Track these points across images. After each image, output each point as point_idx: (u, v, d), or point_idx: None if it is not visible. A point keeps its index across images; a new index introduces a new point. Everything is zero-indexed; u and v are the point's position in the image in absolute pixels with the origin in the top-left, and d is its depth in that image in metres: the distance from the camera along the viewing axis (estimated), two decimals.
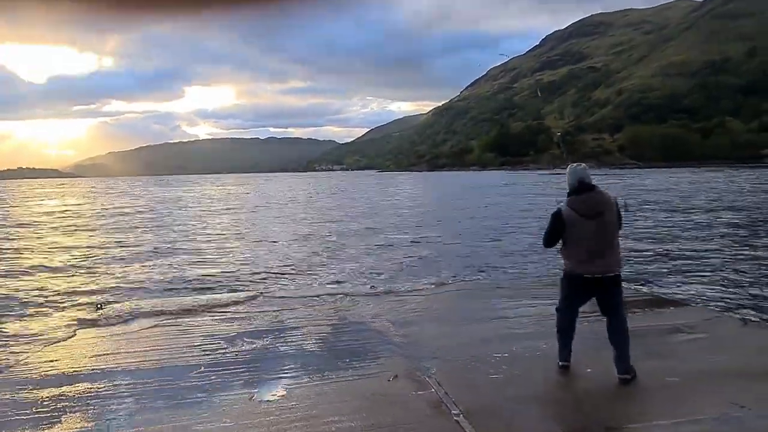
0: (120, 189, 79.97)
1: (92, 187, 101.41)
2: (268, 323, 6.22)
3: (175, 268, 11.63)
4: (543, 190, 42.79)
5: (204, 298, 8.13)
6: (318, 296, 7.84)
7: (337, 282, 9.67)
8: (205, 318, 6.62)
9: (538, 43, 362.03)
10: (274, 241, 15.86)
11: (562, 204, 4.38)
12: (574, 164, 4.48)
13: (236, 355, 5.09)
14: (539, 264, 11.03)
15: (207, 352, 5.16)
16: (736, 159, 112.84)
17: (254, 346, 5.34)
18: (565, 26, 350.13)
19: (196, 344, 5.44)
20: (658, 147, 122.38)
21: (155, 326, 6.20)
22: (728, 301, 7.69)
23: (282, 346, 5.35)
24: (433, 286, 8.68)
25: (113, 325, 6.47)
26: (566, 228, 4.26)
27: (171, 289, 9.44)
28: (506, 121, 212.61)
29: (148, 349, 5.32)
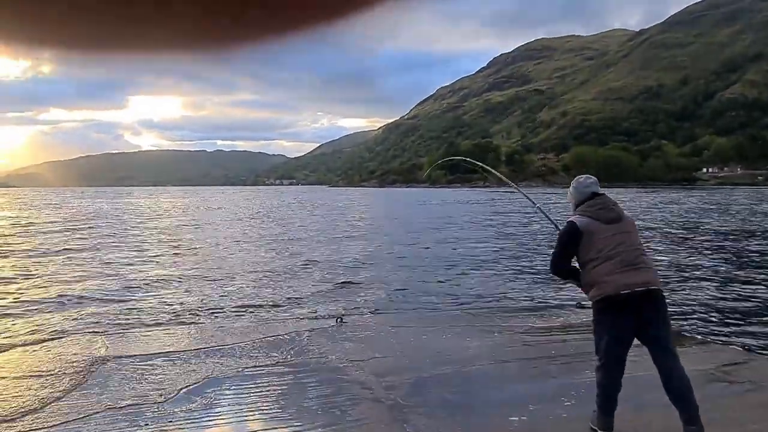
0: (46, 200, 74.83)
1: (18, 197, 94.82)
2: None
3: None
4: (510, 207, 42.64)
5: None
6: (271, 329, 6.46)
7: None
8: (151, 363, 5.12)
9: (485, 65, 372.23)
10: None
11: (573, 216, 3.43)
12: (582, 176, 3.60)
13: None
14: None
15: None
16: (671, 181, 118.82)
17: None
18: (512, 49, 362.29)
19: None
20: (601, 168, 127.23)
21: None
22: (723, 332, 6.82)
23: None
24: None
25: None
26: (583, 241, 3.29)
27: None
28: (455, 140, 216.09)
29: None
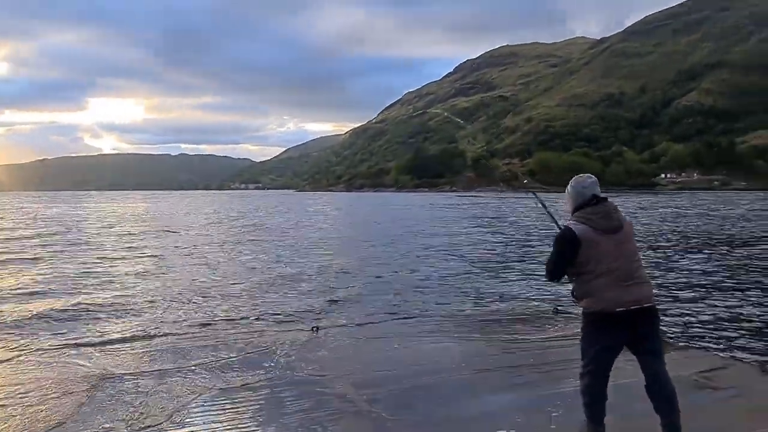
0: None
1: None
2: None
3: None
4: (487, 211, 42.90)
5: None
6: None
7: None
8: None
9: (452, 70, 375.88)
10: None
11: (570, 221, 3.27)
12: (581, 176, 3.41)
13: None
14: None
15: None
16: (631, 186, 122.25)
17: None
18: (477, 56, 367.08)
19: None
20: (565, 172, 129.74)
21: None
22: (700, 338, 6.89)
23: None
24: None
25: None
26: (581, 250, 3.14)
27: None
28: (422, 144, 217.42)
29: None
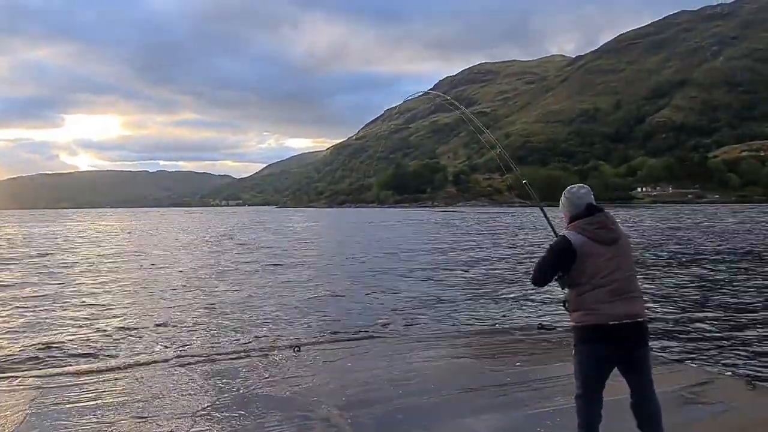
0: None
1: None
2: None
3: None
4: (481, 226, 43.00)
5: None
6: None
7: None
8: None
9: (431, 87, 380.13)
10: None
11: (567, 231, 3.21)
12: (574, 186, 3.36)
13: None
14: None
15: None
16: (608, 200, 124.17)
17: None
18: (456, 72, 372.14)
19: None
20: (544, 186, 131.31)
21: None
22: (681, 352, 6.90)
23: None
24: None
25: None
26: (576, 261, 3.08)
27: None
28: (402, 160, 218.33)
29: None
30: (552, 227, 3.89)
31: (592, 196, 3.29)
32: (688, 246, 22.42)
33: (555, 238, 3.31)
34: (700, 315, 8.85)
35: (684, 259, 17.63)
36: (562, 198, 3.34)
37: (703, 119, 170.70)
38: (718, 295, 10.73)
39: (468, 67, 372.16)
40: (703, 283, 12.48)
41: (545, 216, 4.07)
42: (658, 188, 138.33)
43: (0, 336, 8.15)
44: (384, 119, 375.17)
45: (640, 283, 3.30)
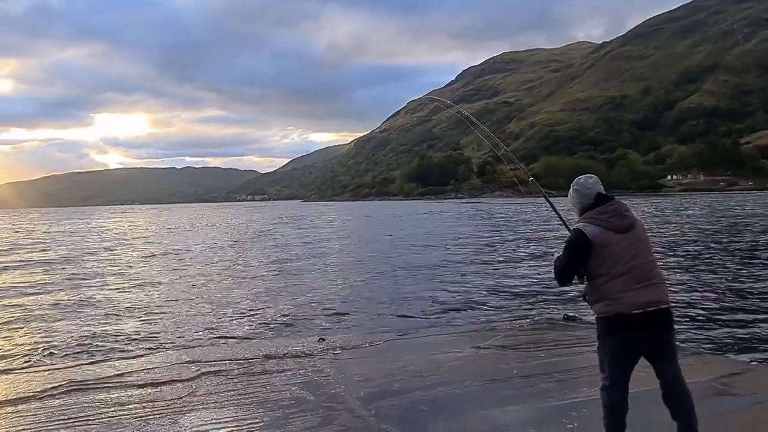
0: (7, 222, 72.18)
1: None
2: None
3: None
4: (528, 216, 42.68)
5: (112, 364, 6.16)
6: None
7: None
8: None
9: (454, 78, 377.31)
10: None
11: (581, 223, 3.15)
12: (582, 177, 3.29)
13: None
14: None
15: None
16: (636, 188, 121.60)
17: None
18: (479, 62, 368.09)
19: None
20: (570, 176, 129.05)
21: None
22: (715, 342, 6.72)
23: None
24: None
25: None
26: (594, 253, 3.03)
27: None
28: (426, 152, 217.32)
29: None
30: (562, 219, 3.85)
31: (601, 186, 3.23)
32: (735, 235, 21.68)
33: (569, 232, 3.25)
34: (734, 306, 8.63)
35: (723, 250, 17.10)
36: (571, 191, 3.28)
37: (735, 104, 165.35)
38: (759, 285, 10.43)
39: (491, 56, 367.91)
40: (741, 272, 12.14)
41: (553, 208, 4.04)
42: (689, 176, 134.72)
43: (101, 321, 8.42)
44: (407, 111, 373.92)
45: (662, 271, 3.22)
